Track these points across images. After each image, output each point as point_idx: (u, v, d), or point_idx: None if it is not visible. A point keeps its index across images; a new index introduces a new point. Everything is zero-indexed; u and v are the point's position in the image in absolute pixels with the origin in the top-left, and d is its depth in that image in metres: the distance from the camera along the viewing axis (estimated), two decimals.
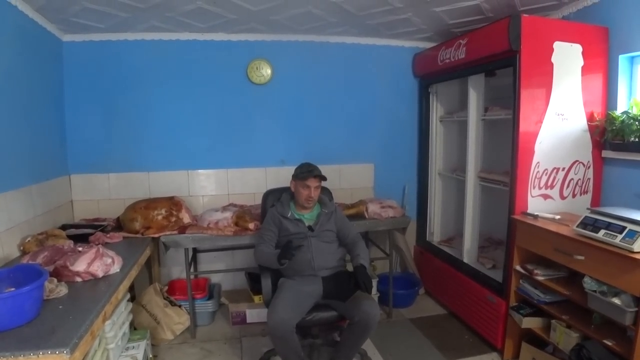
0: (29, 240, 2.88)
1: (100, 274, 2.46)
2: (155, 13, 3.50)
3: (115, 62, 4.00)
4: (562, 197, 3.23)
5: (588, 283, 2.44)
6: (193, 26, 3.89)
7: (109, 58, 3.98)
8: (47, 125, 3.59)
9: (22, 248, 2.85)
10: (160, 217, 3.59)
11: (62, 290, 2.19)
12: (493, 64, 3.40)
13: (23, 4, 3.07)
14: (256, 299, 3.95)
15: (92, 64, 3.95)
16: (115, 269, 2.57)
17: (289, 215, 3.11)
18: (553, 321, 2.81)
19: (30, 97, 3.24)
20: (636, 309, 2.22)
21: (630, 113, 2.94)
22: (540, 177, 3.14)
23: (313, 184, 3.06)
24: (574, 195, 3.25)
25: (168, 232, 3.53)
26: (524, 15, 2.95)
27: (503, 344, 3.28)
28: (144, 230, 3.48)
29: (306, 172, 3.07)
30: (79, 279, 2.39)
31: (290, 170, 3.20)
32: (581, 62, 3.10)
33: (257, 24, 3.90)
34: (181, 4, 3.33)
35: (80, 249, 2.62)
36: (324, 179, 3.11)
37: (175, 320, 3.64)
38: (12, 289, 1.92)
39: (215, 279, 4.43)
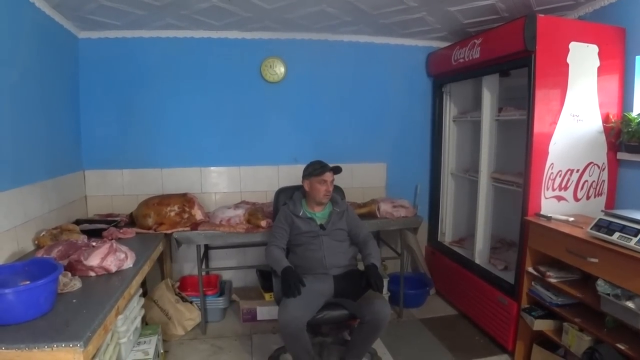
0: (43, 235, 2.91)
1: (113, 269, 2.48)
2: (170, 11, 3.52)
3: (130, 59, 4.04)
4: (576, 199, 3.20)
5: (601, 286, 2.42)
6: (207, 24, 3.90)
7: (124, 55, 4.02)
8: (62, 120, 3.63)
9: (36, 242, 2.88)
10: (172, 214, 3.61)
11: (76, 284, 2.22)
12: (508, 64, 3.37)
13: (40, 1, 3.10)
14: (267, 296, 3.96)
15: (108, 61, 3.99)
16: (128, 264, 2.59)
17: (300, 214, 3.12)
18: (565, 324, 2.79)
19: (46, 93, 3.28)
20: None
21: None
22: (554, 179, 3.12)
23: (329, 178, 3.08)
24: (588, 197, 3.22)
25: (180, 229, 3.56)
26: (540, 15, 2.92)
27: (514, 346, 3.26)
28: (157, 227, 3.51)
29: (320, 167, 3.08)
30: (92, 274, 2.41)
31: (302, 168, 3.20)
32: (597, 63, 3.07)
33: (271, 22, 3.91)
34: (196, 2, 3.35)
35: (94, 243, 2.65)
36: (338, 170, 3.14)
37: (187, 316, 3.67)
38: (27, 282, 1.95)
39: (226, 275, 4.46)
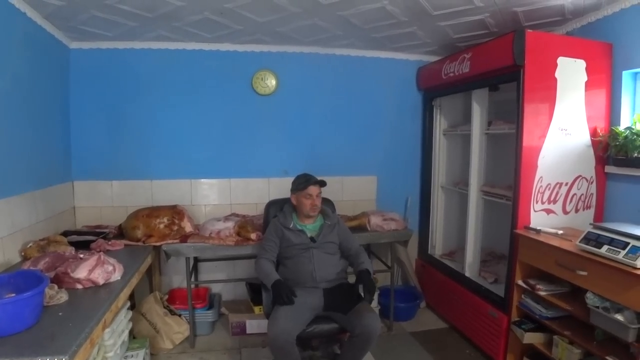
0: (30, 246, 2.88)
1: (101, 281, 2.45)
2: (162, 22, 3.53)
3: (121, 70, 4.03)
4: (565, 212, 3.22)
5: (591, 299, 2.43)
6: (200, 36, 3.92)
7: (115, 66, 4.02)
8: (52, 131, 3.61)
9: (23, 253, 2.85)
10: (162, 226, 3.58)
11: (63, 297, 2.19)
12: (497, 79, 3.41)
13: (32, 11, 3.10)
14: (256, 309, 3.93)
15: (99, 72, 3.99)
16: (116, 276, 2.57)
17: (291, 226, 3.10)
18: (555, 337, 2.80)
19: (36, 103, 3.26)
20: (639, 325, 2.20)
21: (633, 129, 2.95)
22: (543, 192, 3.14)
23: (314, 192, 3.07)
24: (576, 211, 3.25)
25: (170, 241, 3.53)
26: (528, 30, 2.97)
27: (504, 359, 3.25)
28: (146, 239, 3.48)
29: (304, 181, 3.08)
30: (79, 286, 2.38)
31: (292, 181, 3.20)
32: (585, 78, 3.12)
33: (263, 35, 3.93)
34: (188, 14, 3.36)
35: (81, 255, 2.62)
36: (323, 184, 3.13)
37: (175, 329, 3.63)
38: (13, 295, 1.92)
39: (215, 288, 4.42)
